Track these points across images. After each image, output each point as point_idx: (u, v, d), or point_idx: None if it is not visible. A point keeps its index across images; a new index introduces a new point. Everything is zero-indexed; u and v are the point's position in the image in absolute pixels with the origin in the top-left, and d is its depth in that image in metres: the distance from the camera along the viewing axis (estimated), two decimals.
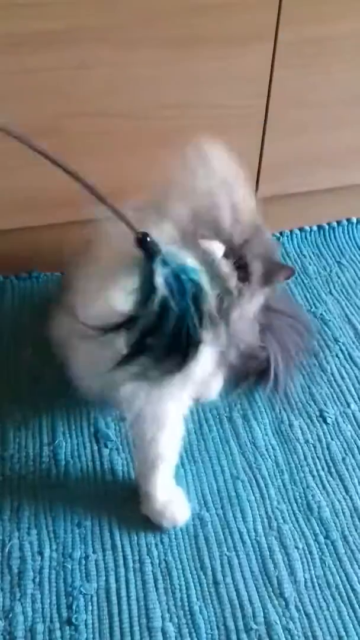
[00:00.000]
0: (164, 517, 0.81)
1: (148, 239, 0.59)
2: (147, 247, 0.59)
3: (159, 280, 0.59)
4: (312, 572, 0.79)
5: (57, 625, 0.74)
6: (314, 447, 0.92)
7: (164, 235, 0.63)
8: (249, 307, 0.77)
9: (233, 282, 0.72)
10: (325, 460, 0.91)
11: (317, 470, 0.89)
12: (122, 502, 0.84)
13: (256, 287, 0.76)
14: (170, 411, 0.77)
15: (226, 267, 0.71)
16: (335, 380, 1.01)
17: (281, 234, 1.28)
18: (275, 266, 0.78)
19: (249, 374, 0.96)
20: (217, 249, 0.70)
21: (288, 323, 1.00)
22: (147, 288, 0.59)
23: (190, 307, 0.60)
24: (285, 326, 0.99)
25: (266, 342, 0.94)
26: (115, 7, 0.90)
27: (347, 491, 0.87)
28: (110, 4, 0.90)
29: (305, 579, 0.78)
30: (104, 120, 0.99)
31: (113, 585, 0.77)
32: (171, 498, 0.82)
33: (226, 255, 0.71)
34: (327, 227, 1.30)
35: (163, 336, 0.60)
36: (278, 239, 1.26)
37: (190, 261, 0.62)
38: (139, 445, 0.80)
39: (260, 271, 0.75)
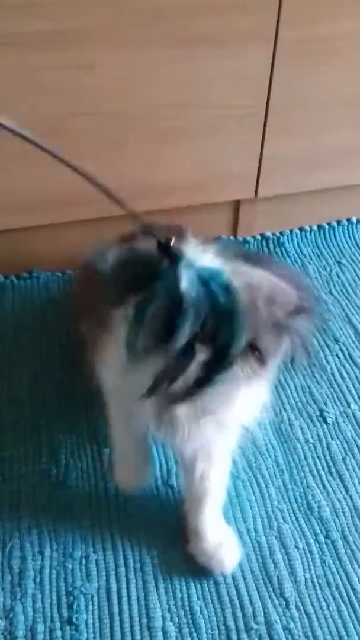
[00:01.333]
0: (213, 560, 0.77)
1: (172, 244, 0.56)
2: (169, 253, 0.56)
3: (185, 285, 0.54)
4: (313, 571, 0.79)
5: (58, 624, 0.74)
6: (314, 447, 0.92)
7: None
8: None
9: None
10: (326, 460, 0.91)
11: (318, 470, 0.89)
12: (122, 501, 0.84)
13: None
14: (220, 444, 0.74)
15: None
16: (335, 380, 1.01)
17: (281, 233, 1.28)
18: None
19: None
20: None
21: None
22: (173, 297, 0.54)
23: (224, 309, 0.55)
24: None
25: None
26: (116, 7, 0.90)
27: (347, 491, 0.87)
28: (110, 4, 0.90)
29: (305, 578, 0.78)
30: (105, 120, 0.99)
31: (114, 585, 0.77)
32: (222, 540, 0.78)
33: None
34: (327, 226, 1.30)
35: (208, 342, 0.55)
36: (278, 238, 1.26)
37: (216, 263, 0.57)
38: (189, 481, 0.77)
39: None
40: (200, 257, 0.57)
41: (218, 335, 0.56)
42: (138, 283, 0.58)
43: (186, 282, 0.54)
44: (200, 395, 0.58)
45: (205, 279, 0.55)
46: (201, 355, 0.56)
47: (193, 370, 0.57)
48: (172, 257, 0.56)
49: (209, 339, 0.56)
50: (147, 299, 0.56)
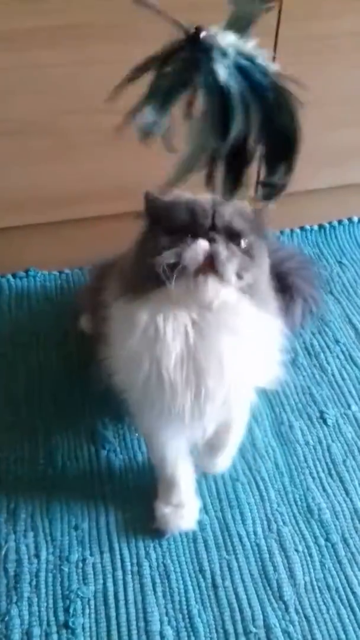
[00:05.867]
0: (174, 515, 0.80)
1: (203, 34, 0.50)
2: (203, 45, 0.51)
3: (224, 77, 0.49)
4: (312, 574, 0.78)
5: (54, 628, 0.73)
6: (314, 449, 0.91)
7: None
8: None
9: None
10: (326, 462, 0.90)
11: (318, 472, 0.89)
12: (119, 504, 0.84)
13: (255, 238, 0.69)
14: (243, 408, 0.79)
15: None
16: (335, 382, 1.00)
17: (282, 233, 1.27)
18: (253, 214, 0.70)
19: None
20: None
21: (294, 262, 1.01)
22: (213, 92, 0.50)
23: (273, 93, 0.51)
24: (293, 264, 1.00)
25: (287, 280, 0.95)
26: (115, 4, 0.89)
27: (347, 493, 0.86)
28: (109, 1, 0.89)
29: (305, 581, 0.78)
30: (104, 117, 0.98)
31: (111, 589, 0.76)
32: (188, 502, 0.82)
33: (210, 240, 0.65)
34: (327, 226, 1.29)
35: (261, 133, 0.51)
36: (278, 238, 1.26)
37: (252, 47, 0.52)
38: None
39: (245, 224, 0.68)
40: (232, 42, 0.53)
41: (274, 121, 0.52)
42: (176, 84, 0.52)
43: (224, 74, 0.50)
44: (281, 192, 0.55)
45: (244, 67, 0.51)
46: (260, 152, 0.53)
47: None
48: (203, 48, 0.50)
49: (264, 134, 0.52)
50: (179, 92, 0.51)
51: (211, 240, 0.64)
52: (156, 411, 0.70)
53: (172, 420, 0.70)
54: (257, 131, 0.51)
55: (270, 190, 0.55)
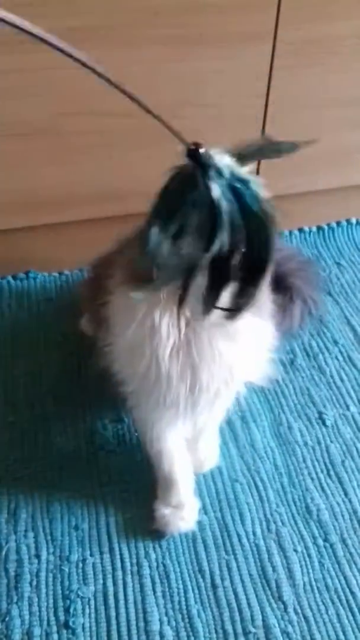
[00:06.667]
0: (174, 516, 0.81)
1: (201, 150, 0.54)
2: (199, 159, 0.54)
3: (216, 193, 0.53)
4: (311, 575, 0.79)
5: (54, 628, 0.73)
6: (313, 450, 0.92)
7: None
8: None
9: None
10: (325, 463, 0.90)
11: (316, 473, 0.89)
12: (119, 504, 0.84)
13: None
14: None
15: None
16: (334, 382, 1.01)
17: (280, 234, 1.27)
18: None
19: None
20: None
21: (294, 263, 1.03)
22: (205, 206, 0.54)
23: (259, 219, 0.55)
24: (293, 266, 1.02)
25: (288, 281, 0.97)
26: (115, 6, 0.90)
27: (346, 494, 0.87)
28: (109, 3, 0.89)
29: (304, 582, 0.78)
30: (102, 119, 0.99)
31: (111, 589, 0.77)
32: (188, 501, 0.82)
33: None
34: (326, 228, 1.30)
35: (242, 256, 0.55)
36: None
37: (247, 172, 0.56)
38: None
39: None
40: (229, 163, 0.56)
41: (252, 245, 0.55)
42: (171, 195, 0.56)
43: (217, 191, 0.53)
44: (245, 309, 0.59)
45: (237, 189, 0.54)
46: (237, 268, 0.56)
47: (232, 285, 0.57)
48: (202, 164, 0.54)
49: (243, 251, 0.56)
50: (179, 209, 0.55)
51: None
52: (153, 401, 0.71)
53: (167, 409, 0.71)
54: (238, 251, 0.55)
55: (230, 312, 0.59)
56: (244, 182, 0.55)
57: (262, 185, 0.56)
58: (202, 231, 0.54)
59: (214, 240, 0.54)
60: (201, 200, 0.54)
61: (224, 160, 0.56)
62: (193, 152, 0.53)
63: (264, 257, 0.56)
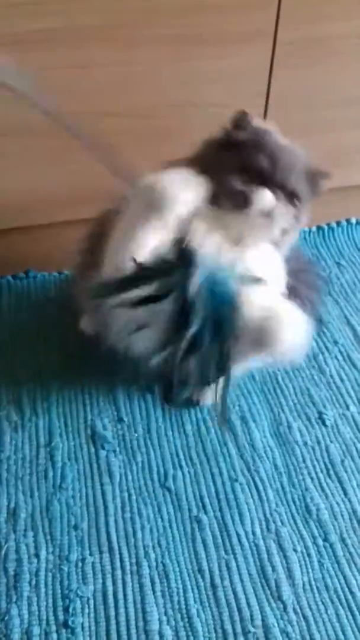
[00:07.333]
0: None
1: (185, 245, 0.58)
2: (183, 252, 0.58)
3: (193, 288, 0.58)
4: (311, 575, 0.79)
5: (54, 628, 0.73)
6: (313, 450, 0.92)
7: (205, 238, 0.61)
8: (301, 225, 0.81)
9: (289, 218, 0.74)
10: (324, 463, 0.90)
11: (316, 473, 0.89)
12: (119, 504, 0.84)
13: (307, 202, 0.79)
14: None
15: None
16: (334, 382, 1.01)
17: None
18: (314, 175, 0.81)
19: None
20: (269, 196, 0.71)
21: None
22: (180, 292, 0.58)
23: (222, 319, 0.59)
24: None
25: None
26: (115, 6, 0.90)
27: (345, 494, 0.87)
28: (110, 3, 0.89)
29: (303, 581, 0.78)
30: (103, 120, 0.99)
31: (110, 588, 0.76)
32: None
33: (274, 193, 0.72)
34: (326, 227, 1.30)
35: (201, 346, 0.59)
36: None
37: (226, 270, 0.61)
38: None
39: (305, 187, 0.78)
40: (213, 258, 0.59)
41: (215, 336, 0.59)
42: (151, 276, 0.60)
43: (194, 286, 0.57)
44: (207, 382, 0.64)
45: (212, 288, 0.58)
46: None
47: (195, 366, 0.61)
48: (186, 257, 0.57)
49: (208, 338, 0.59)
50: (157, 295, 0.59)
51: (274, 194, 0.72)
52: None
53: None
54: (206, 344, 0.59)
55: (175, 400, 0.63)
56: (224, 280, 0.59)
57: (241, 275, 0.61)
58: (176, 317, 0.58)
59: (189, 328, 0.58)
60: (181, 288, 0.58)
61: (207, 259, 0.60)
62: (182, 251, 0.59)
63: (223, 359, 0.61)
